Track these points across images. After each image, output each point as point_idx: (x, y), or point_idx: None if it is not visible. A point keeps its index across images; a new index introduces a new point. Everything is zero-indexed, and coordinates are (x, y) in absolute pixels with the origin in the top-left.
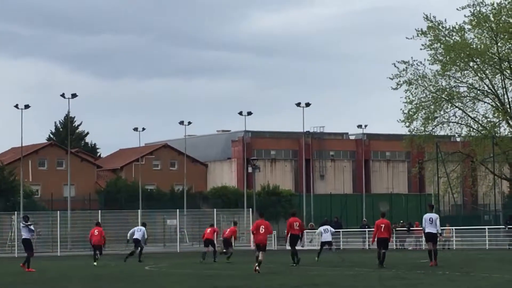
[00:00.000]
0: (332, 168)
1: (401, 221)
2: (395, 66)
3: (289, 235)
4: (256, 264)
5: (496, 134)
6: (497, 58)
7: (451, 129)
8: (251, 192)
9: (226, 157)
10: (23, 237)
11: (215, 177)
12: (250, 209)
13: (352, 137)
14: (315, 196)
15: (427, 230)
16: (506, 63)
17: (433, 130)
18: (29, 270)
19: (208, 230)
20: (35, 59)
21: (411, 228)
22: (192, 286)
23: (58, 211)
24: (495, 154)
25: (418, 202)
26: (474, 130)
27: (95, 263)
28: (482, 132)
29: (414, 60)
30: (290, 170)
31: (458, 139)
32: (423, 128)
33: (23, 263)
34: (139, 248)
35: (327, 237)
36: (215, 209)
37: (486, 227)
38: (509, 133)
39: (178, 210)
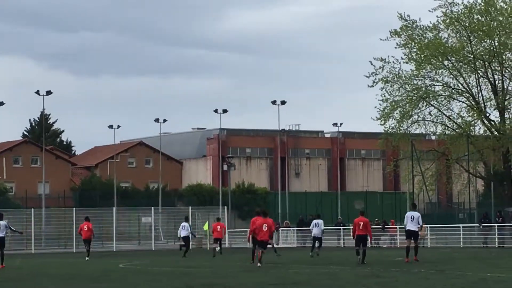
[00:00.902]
0: (308, 166)
1: (376, 219)
2: (371, 64)
3: (251, 234)
4: (259, 263)
5: (471, 133)
6: (471, 56)
7: (425, 127)
8: (226, 189)
9: (202, 155)
10: None
11: (190, 174)
12: (226, 207)
13: (327, 135)
14: (290, 194)
15: (407, 228)
16: (481, 61)
17: (408, 129)
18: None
19: (218, 227)
20: (12, 56)
21: (386, 226)
22: (166, 285)
23: (33, 209)
24: (470, 153)
25: (393, 200)
26: (449, 129)
27: (87, 258)
28: (457, 130)
29: (392, 57)
30: (265, 168)
31: (433, 138)
32: (398, 126)
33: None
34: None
35: (316, 232)
36: (190, 207)
37: (461, 225)
38: (484, 132)
39: (153, 207)
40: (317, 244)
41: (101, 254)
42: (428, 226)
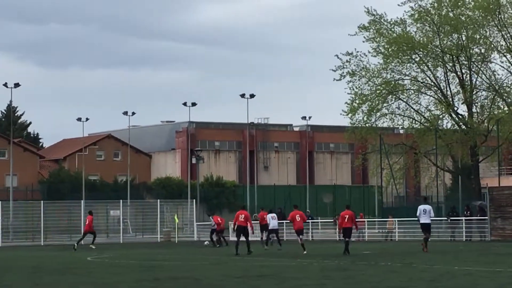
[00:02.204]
0: (276, 160)
1: None
2: (338, 57)
3: (235, 226)
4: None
5: (439, 127)
6: (439, 51)
7: (393, 121)
8: (195, 183)
9: (170, 148)
10: None
11: (159, 168)
12: (194, 200)
13: (296, 129)
14: (259, 187)
15: (421, 221)
16: (449, 56)
17: (376, 122)
18: None
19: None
20: None
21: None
22: (132, 278)
23: (0, 202)
24: (438, 147)
25: (361, 193)
26: (417, 123)
27: (75, 249)
28: (425, 124)
29: (358, 52)
30: (234, 161)
31: (401, 131)
32: (366, 120)
33: None
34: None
35: (274, 224)
36: (158, 200)
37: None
38: (451, 126)
39: (121, 201)
40: (274, 237)
41: (69, 247)
42: (396, 219)
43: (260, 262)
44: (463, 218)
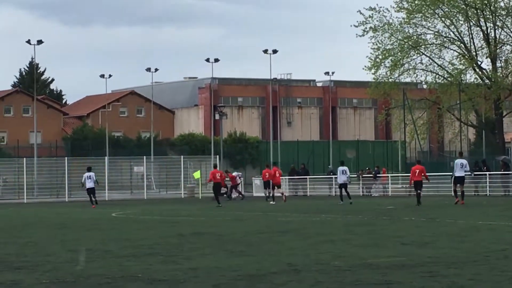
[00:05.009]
0: (299, 115)
1: (368, 168)
2: (360, 13)
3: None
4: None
5: (463, 81)
6: (463, 5)
7: (416, 76)
8: (218, 139)
9: (193, 104)
10: None
11: (182, 124)
12: (217, 156)
13: (319, 84)
14: (282, 143)
15: (456, 174)
16: (473, 10)
17: (399, 77)
18: None
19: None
20: (2, 6)
21: (378, 175)
22: (157, 234)
23: (25, 158)
24: (462, 101)
25: (385, 149)
26: (441, 77)
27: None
28: (448, 79)
29: (380, 7)
30: (257, 117)
31: (424, 86)
32: (389, 75)
33: None
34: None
35: (343, 178)
36: (182, 156)
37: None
38: (475, 80)
39: (145, 157)
40: (344, 188)
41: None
42: None
43: (284, 218)
44: (487, 173)
